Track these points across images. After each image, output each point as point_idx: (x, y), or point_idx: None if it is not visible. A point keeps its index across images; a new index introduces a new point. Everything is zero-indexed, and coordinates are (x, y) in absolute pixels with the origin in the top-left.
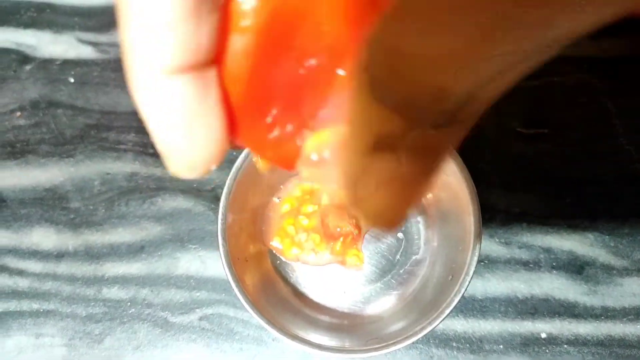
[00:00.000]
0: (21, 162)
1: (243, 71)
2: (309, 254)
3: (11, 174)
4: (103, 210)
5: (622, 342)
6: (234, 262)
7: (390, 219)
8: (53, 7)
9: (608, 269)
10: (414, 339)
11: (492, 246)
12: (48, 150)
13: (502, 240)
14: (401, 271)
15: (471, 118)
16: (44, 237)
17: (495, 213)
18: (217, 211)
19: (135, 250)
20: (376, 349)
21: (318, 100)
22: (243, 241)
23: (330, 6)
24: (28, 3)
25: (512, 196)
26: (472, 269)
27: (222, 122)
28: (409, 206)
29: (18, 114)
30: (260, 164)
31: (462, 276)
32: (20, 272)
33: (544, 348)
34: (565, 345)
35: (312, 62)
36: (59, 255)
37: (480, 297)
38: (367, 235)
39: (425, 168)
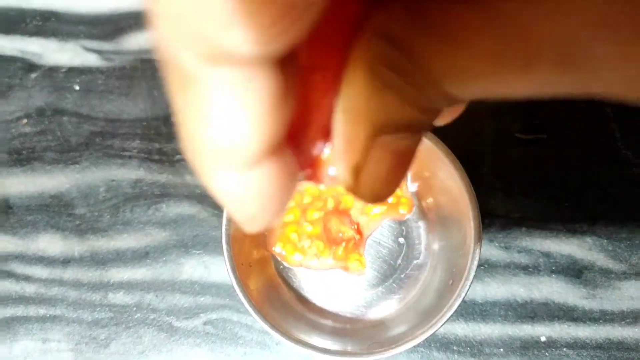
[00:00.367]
0: (27, 169)
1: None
2: (312, 260)
3: (17, 180)
4: (108, 217)
5: (621, 345)
6: (238, 267)
7: (386, 196)
8: (58, 16)
9: (606, 273)
10: (416, 342)
11: (491, 250)
12: (54, 158)
13: (502, 245)
14: (402, 276)
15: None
16: (50, 243)
17: (494, 218)
18: (221, 217)
19: (140, 256)
20: (378, 353)
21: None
22: (247, 247)
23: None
24: (33, 12)
25: (511, 201)
26: (472, 273)
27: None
28: (402, 179)
29: (24, 121)
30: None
31: (463, 280)
32: (27, 278)
33: (543, 351)
34: (565, 349)
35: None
36: (65, 261)
37: (480, 301)
38: (368, 240)
39: (417, 143)
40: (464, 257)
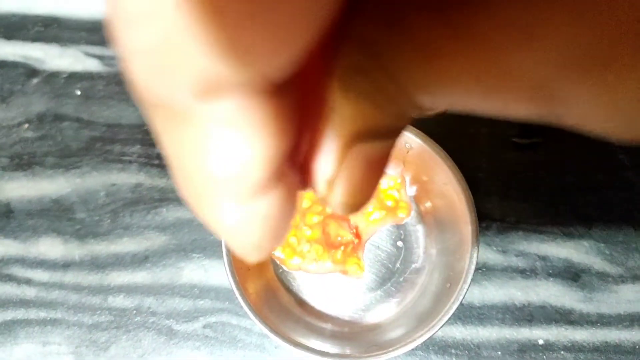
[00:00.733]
0: (28, 174)
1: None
2: (311, 263)
3: (19, 185)
4: (108, 221)
5: (618, 348)
6: (237, 271)
7: (360, 206)
8: (60, 22)
9: (603, 276)
10: (414, 345)
11: (489, 254)
12: (54, 162)
13: (499, 249)
14: (401, 279)
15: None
16: (50, 247)
17: (491, 222)
18: None
19: (139, 260)
20: (376, 356)
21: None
22: None
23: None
24: (35, 18)
25: (508, 205)
26: (470, 277)
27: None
28: (375, 189)
29: (25, 126)
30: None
31: (460, 284)
32: (28, 282)
33: (540, 354)
34: (562, 352)
35: None
36: (66, 265)
37: (478, 305)
38: (367, 244)
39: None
40: (461, 260)
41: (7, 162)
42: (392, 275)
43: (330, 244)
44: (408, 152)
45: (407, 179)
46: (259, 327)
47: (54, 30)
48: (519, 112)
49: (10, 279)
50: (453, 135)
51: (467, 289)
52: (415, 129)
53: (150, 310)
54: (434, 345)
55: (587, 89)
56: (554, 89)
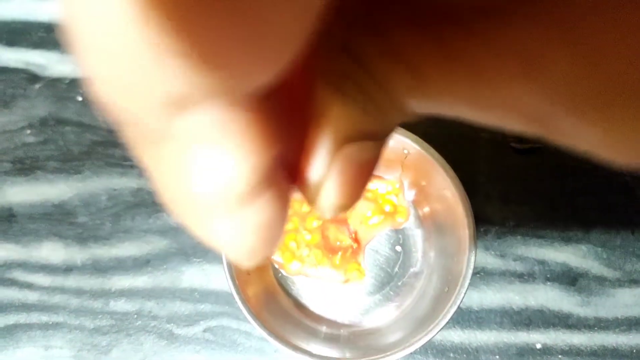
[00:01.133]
0: (30, 178)
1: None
2: (310, 268)
3: (21, 189)
4: (110, 225)
5: (615, 352)
6: (237, 275)
7: (347, 209)
8: (61, 28)
9: (601, 281)
10: (412, 349)
11: (487, 258)
12: (56, 167)
13: (497, 253)
14: (399, 283)
15: None
16: (52, 251)
17: (490, 226)
18: None
19: (141, 264)
20: None
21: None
22: None
23: None
24: (38, 24)
25: (506, 209)
26: (468, 281)
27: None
28: (363, 192)
29: (27, 131)
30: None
31: (458, 288)
32: (30, 286)
33: (538, 358)
34: (560, 356)
35: None
36: (67, 269)
37: (476, 309)
38: (366, 249)
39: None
40: (459, 264)
41: (9, 167)
42: (391, 279)
43: (329, 249)
44: (406, 157)
45: (406, 183)
46: (258, 331)
47: (56, 36)
48: (513, 128)
49: (12, 283)
50: (453, 139)
51: (465, 293)
52: (413, 135)
53: (151, 314)
54: (433, 348)
55: (582, 124)
56: (550, 119)
